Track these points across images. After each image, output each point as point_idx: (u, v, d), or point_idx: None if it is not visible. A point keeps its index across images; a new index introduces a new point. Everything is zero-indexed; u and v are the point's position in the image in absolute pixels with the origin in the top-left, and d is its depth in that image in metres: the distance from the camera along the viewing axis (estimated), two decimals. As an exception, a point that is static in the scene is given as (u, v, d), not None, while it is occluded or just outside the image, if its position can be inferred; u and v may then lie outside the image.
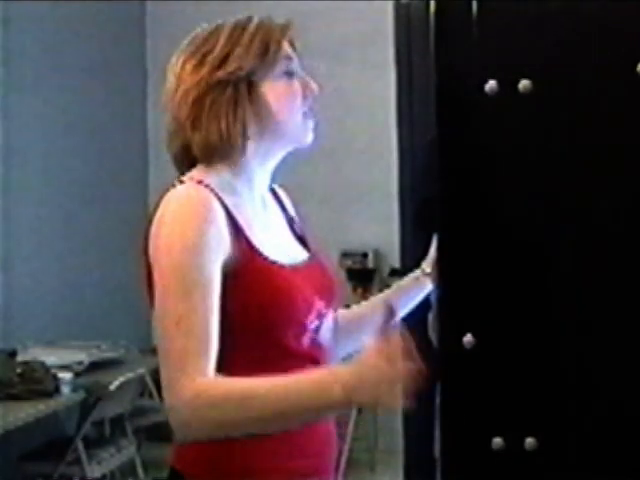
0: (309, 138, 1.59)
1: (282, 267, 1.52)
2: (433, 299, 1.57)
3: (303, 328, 1.51)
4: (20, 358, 4.00)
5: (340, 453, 1.63)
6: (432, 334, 1.48)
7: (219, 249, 1.43)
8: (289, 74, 1.56)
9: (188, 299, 1.39)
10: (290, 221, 1.70)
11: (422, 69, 1.26)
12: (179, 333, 1.38)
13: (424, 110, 1.24)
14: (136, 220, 6.50)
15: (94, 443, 4.08)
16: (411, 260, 2.29)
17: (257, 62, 1.52)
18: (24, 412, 3.60)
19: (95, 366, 4.21)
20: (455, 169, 1.13)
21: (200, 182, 1.49)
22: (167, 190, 1.51)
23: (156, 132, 6.31)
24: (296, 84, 1.56)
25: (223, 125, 1.50)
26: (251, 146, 1.54)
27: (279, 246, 1.57)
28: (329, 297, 1.61)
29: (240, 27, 1.55)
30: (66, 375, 3.89)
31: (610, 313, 1.11)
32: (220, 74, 1.51)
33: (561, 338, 1.12)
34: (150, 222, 1.49)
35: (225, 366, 1.40)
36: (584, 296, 1.12)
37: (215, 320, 1.40)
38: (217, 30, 1.57)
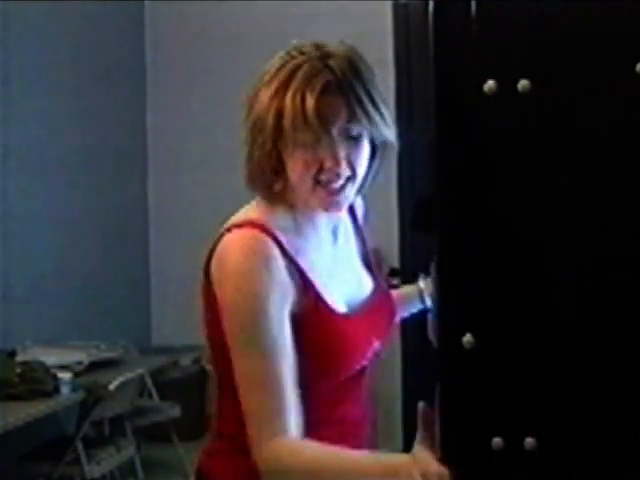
0: (320, 207, 1.49)
1: (346, 317, 1.51)
2: (433, 299, 1.57)
3: (355, 370, 1.53)
4: (20, 358, 4.00)
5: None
6: (432, 334, 1.48)
7: (284, 301, 1.42)
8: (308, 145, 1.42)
9: (259, 357, 1.40)
10: (362, 243, 1.68)
11: (421, 69, 1.26)
12: (253, 392, 1.41)
13: (423, 110, 1.24)
14: (136, 221, 6.47)
15: (93, 443, 4.08)
16: (411, 260, 2.29)
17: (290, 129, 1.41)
18: (24, 412, 3.60)
19: (94, 366, 4.21)
20: (454, 169, 1.13)
21: (262, 226, 1.44)
22: (226, 230, 1.46)
23: (155, 130, 6.31)
24: (313, 154, 1.42)
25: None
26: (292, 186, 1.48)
27: (345, 288, 1.55)
28: (388, 334, 1.63)
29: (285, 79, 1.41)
30: (65, 375, 3.89)
31: (611, 313, 1.11)
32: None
33: (561, 338, 1.12)
34: (209, 260, 1.46)
35: None
36: (584, 296, 1.12)
37: (289, 373, 1.40)
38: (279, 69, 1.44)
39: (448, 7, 1.11)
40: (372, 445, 1.58)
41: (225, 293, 1.43)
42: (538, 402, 1.12)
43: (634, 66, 1.07)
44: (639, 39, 1.07)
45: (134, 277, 5.75)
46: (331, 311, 1.48)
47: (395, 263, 5.18)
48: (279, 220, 1.48)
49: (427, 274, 1.84)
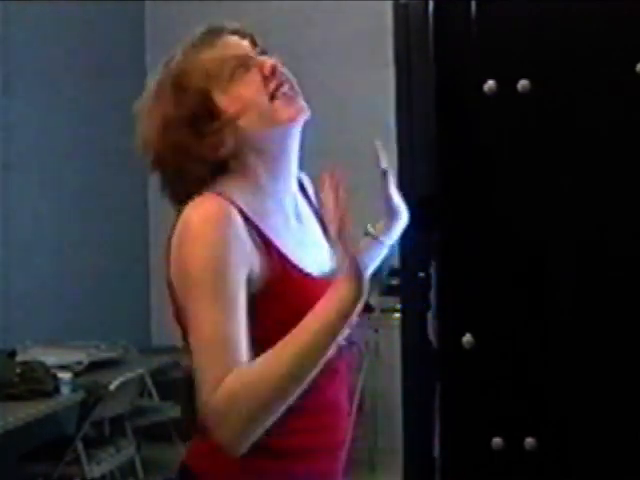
0: (286, 117, 1.49)
1: (316, 279, 1.48)
2: (433, 299, 1.57)
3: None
4: (20, 358, 3.99)
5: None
6: (432, 334, 1.48)
7: (243, 264, 1.40)
8: (241, 68, 1.48)
9: (218, 313, 1.37)
10: (317, 215, 1.69)
11: (421, 69, 1.26)
12: (212, 346, 1.36)
13: (424, 110, 1.24)
14: (135, 219, 6.41)
15: (93, 443, 4.07)
16: (411, 260, 2.29)
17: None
18: (24, 412, 3.59)
19: (94, 366, 4.20)
20: (454, 168, 1.13)
21: (222, 194, 1.43)
22: (183, 208, 1.43)
23: (155, 132, 6.31)
24: (250, 75, 1.48)
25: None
26: (250, 160, 1.48)
27: (313, 257, 1.53)
28: None
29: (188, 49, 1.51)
30: (66, 375, 3.88)
31: (610, 313, 1.11)
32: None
33: (561, 338, 1.12)
34: (169, 243, 1.42)
35: None
36: (584, 297, 1.12)
37: (245, 333, 1.37)
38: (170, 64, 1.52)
39: (448, 7, 1.11)
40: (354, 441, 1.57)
41: (183, 255, 1.40)
42: (538, 402, 1.12)
43: (634, 66, 1.07)
44: (639, 39, 1.08)
45: (134, 277, 5.75)
46: (300, 272, 1.46)
47: (395, 263, 5.18)
48: (239, 192, 1.46)
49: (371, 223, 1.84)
